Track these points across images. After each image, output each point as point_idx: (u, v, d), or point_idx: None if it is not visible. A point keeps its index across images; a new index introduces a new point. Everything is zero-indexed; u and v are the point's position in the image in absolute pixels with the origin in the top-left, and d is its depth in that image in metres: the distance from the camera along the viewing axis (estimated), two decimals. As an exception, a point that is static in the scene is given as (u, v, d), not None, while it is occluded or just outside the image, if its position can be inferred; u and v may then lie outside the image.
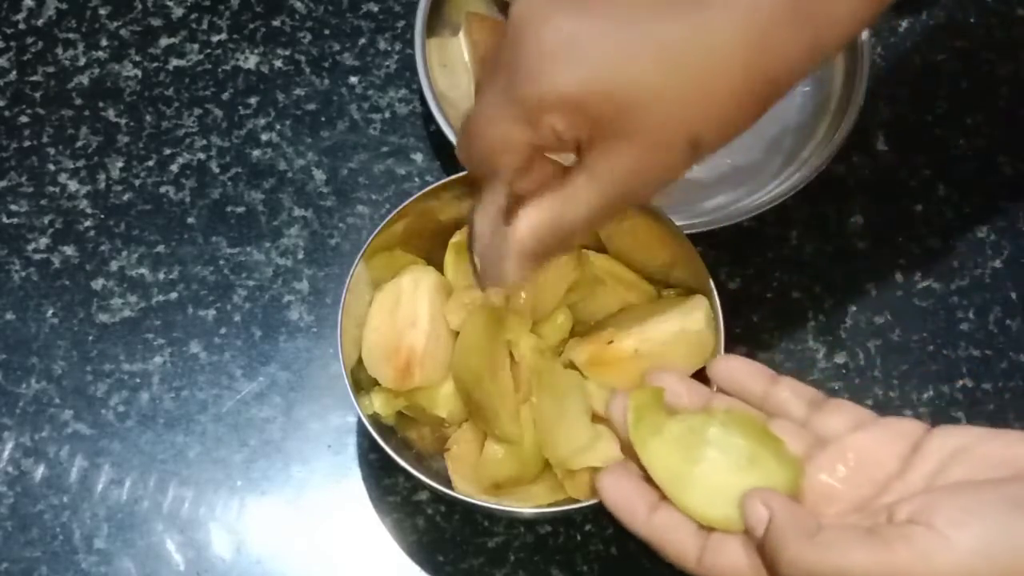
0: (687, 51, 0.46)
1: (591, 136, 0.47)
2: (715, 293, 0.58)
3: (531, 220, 0.50)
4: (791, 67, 0.47)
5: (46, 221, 0.70)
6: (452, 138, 0.67)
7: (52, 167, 0.71)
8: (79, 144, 0.72)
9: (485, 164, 0.50)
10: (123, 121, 0.73)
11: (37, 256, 0.69)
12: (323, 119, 0.73)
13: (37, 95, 0.73)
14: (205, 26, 0.75)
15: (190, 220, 0.70)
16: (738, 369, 0.52)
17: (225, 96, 0.74)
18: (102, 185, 0.71)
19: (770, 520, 0.43)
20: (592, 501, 0.56)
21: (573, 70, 0.46)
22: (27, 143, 0.72)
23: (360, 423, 0.64)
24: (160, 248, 0.70)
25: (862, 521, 0.44)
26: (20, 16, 0.76)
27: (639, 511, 0.48)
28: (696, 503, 0.46)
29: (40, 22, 0.75)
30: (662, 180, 0.49)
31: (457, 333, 0.59)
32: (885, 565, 0.41)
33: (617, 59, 0.46)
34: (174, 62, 0.74)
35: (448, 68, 0.71)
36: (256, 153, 0.72)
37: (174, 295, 0.68)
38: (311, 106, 0.73)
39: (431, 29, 0.70)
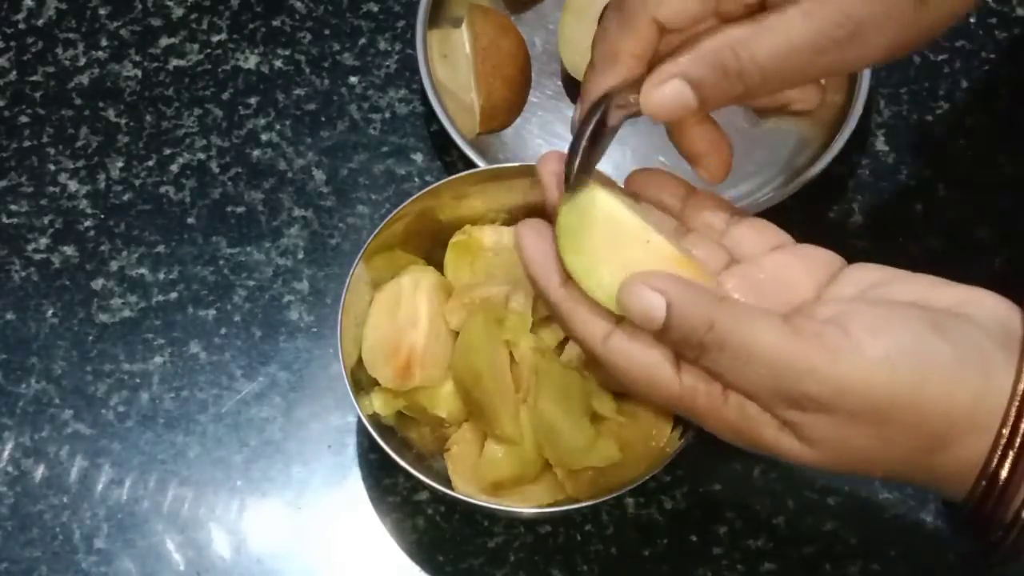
0: None
1: None
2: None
3: (717, 40, 0.45)
4: None
5: (46, 221, 0.70)
6: (452, 133, 0.67)
7: (52, 167, 0.71)
8: (79, 144, 0.72)
9: None
10: (123, 121, 0.73)
11: (37, 256, 0.69)
12: (323, 119, 0.73)
13: (37, 95, 0.73)
14: (205, 26, 0.76)
15: (190, 220, 0.70)
16: (656, 179, 0.50)
17: (225, 96, 0.74)
18: (102, 185, 0.71)
19: (669, 303, 0.42)
20: (592, 501, 0.56)
21: None
22: (27, 143, 0.72)
23: (360, 423, 0.64)
24: (160, 248, 0.70)
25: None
26: (20, 16, 0.76)
27: (553, 276, 0.46)
28: (599, 287, 0.45)
29: (40, 22, 0.75)
30: (880, 31, 0.44)
31: (457, 333, 0.59)
32: (791, 354, 0.41)
33: None
34: (174, 62, 0.74)
35: (449, 59, 0.71)
36: (256, 153, 0.72)
37: (174, 295, 0.68)
38: (311, 106, 0.73)
39: (432, 21, 0.71)
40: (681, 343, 0.43)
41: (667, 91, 0.45)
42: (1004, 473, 0.41)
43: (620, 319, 0.45)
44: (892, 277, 0.46)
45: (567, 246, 0.46)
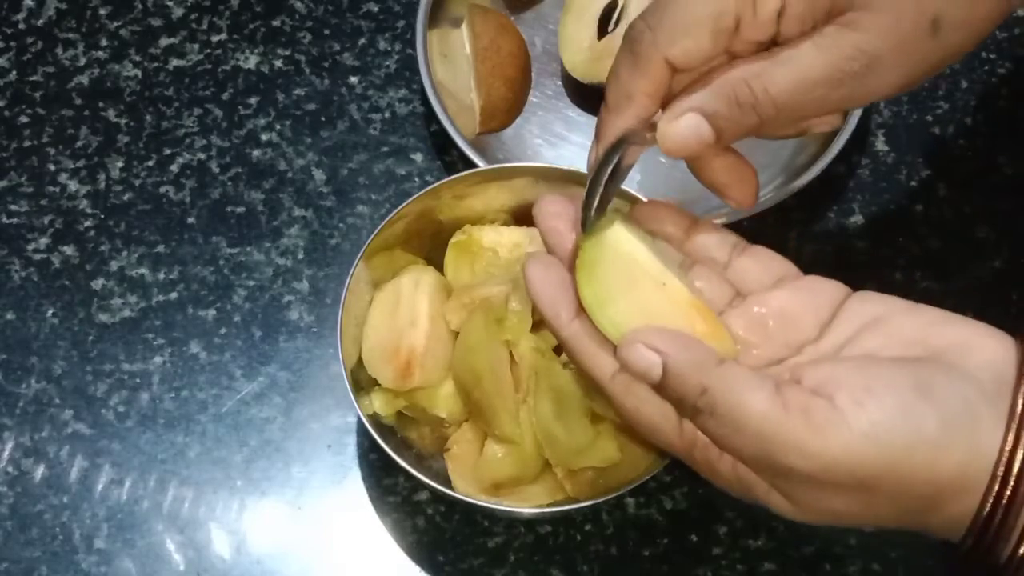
0: None
1: (829, 11, 0.44)
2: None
3: (731, 75, 0.45)
4: None
5: (46, 221, 0.70)
6: (452, 133, 0.67)
7: (52, 167, 0.71)
8: (79, 144, 0.72)
9: (666, 24, 0.46)
10: (123, 121, 0.73)
11: (37, 256, 0.69)
12: (323, 119, 0.73)
13: (37, 95, 0.73)
14: (205, 26, 0.76)
15: (190, 220, 0.70)
16: (660, 212, 0.50)
17: (225, 96, 0.74)
18: (102, 185, 0.71)
19: (665, 364, 0.42)
20: (592, 501, 0.56)
21: None
22: (27, 143, 0.72)
23: (360, 423, 0.64)
24: (160, 248, 0.70)
25: (774, 374, 0.43)
26: (20, 16, 0.76)
27: (563, 312, 0.46)
28: (611, 324, 0.45)
29: (40, 22, 0.75)
30: (894, 64, 0.45)
31: (457, 333, 0.59)
32: (779, 427, 0.41)
33: None
34: (174, 62, 0.74)
35: (449, 59, 0.71)
36: (256, 153, 0.72)
37: (174, 295, 0.68)
38: (311, 106, 0.73)
39: (432, 21, 0.71)
40: (676, 402, 0.44)
41: (683, 125, 0.46)
42: (994, 526, 0.41)
43: None
44: (893, 311, 0.45)
45: (584, 278, 0.46)
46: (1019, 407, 0.41)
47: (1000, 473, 0.40)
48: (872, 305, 0.46)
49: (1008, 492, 0.40)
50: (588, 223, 0.47)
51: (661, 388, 0.43)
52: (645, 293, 0.46)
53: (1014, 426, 0.40)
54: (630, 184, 0.57)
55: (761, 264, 0.48)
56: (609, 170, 0.47)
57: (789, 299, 0.46)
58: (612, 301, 0.45)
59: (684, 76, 0.47)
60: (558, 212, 0.48)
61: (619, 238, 0.48)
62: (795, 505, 0.43)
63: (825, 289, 0.47)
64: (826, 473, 0.41)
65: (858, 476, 0.41)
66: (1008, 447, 0.40)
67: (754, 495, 0.44)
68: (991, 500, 0.40)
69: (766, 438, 0.41)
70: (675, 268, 0.48)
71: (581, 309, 0.46)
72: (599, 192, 0.47)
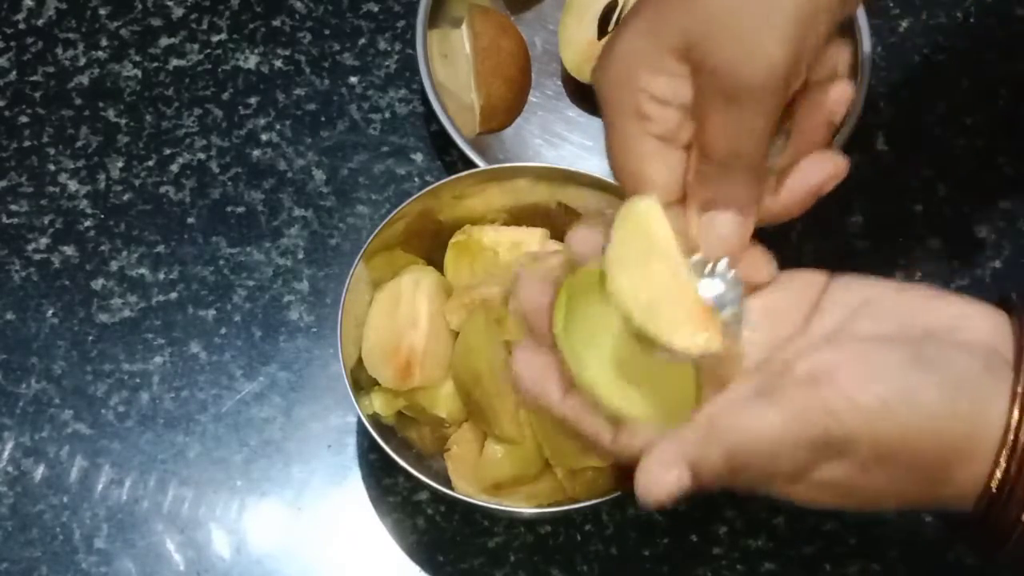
0: None
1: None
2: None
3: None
4: None
5: (46, 221, 0.70)
6: (452, 133, 0.66)
7: (52, 167, 0.72)
8: (79, 144, 0.72)
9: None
10: (123, 121, 0.73)
11: (37, 256, 0.69)
12: (323, 119, 0.73)
13: (37, 95, 0.73)
14: (205, 26, 0.76)
15: (190, 220, 0.70)
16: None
17: (225, 96, 0.74)
18: (102, 185, 0.71)
19: (691, 472, 0.42)
20: (592, 501, 0.56)
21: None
22: (27, 143, 0.72)
23: (360, 423, 0.64)
24: (160, 248, 0.70)
25: (763, 381, 0.43)
26: (20, 16, 0.76)
27: (553, 391, 0.45)
28: (601, 386, 0.44)
29: (40, 22, 0.75)
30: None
31: (457, 333, 0.59)
32: (798, 425, 0.41)
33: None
34: (174, 62, 0.74)
35: (449, 59, 0.71)
36: (256, 153, 0.72)
37: (174, 295, 0.68)
38: (311, 106, 0.73)
39: (432, 21, 0.71)
40: (714, 485, 0.43)
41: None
42: (1006, 491, 0.41)
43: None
44: (881, 294, 0.45)
45: (575, 368, 0.45)
46: None
47: (1011, 439, 0.41)
48: (858, 289, 0.46)
49: (1019, 454, 0.41)
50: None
51: (696, 486, 0.43)
52: (661, 273, 0.45)
53: (1020, 390, 0.41)
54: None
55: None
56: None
57: (770, 297, 0.47)
58: (629, 268, 0.44)
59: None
60: (541, 292, 0.47)
61: (650, 212, 0.47)
62: (820, 490, 0.43)
63: (800, 280, 0.47)
64: (853, 446, 0.41)
65: (878, 447, 0.41)
66: (1016, 417, 0.41)
67: (775, 490, 0.43)
68: (1003, 464, 0.41)
69: (789, 444, 0.41)
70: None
71: (570, 386, 0.45)
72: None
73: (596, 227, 0.48)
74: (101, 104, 0.73)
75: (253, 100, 0.74)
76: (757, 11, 0.43)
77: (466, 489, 0.58)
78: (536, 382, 0.46)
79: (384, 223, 0.59)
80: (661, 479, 0.42)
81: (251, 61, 0.75)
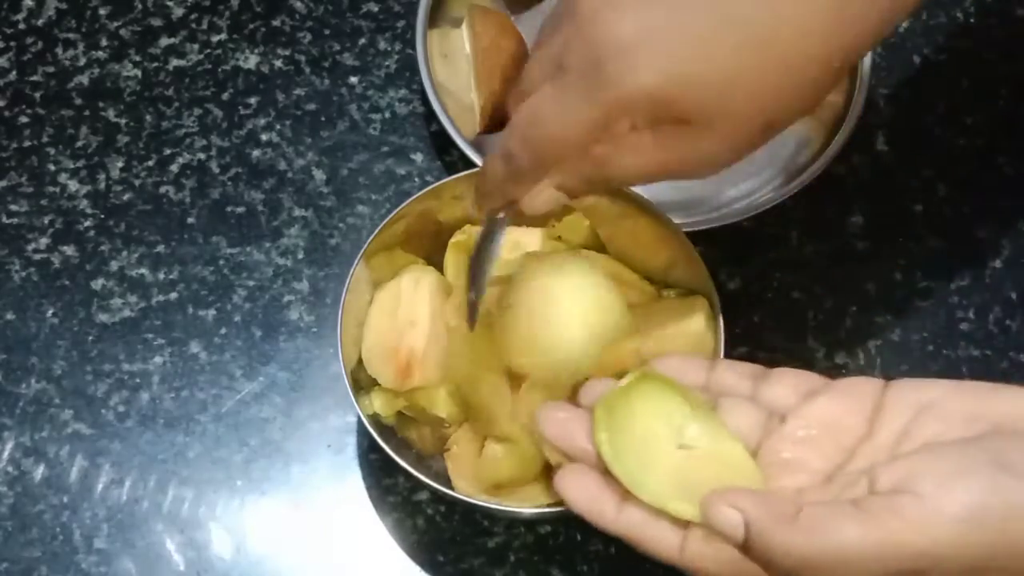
0: (767, 31, 0.45)
1: (664, 122, 0.46)
2: (715, 293, 0.58)
3: (583, 161, 0.48)
4: (867, 37, 0.47)
5: (46, 221, 0.70)
6: (452, 133, 0.67)
7: (52, 167, 0.72)
8: (79, 144, 0.72)
9: (538, 156, 0.49)
10: (123, 121, 0.73)
11: (37, 256, 0.69)
12: (323, 119, 0.73)
13: (37, 95, 0.73)
14: (205, 26, 0.76)
15: (190, 220, 0.70)
16: (674, 364, 0.50)
17: (225, 96, 0.74)
18: (102, 185, 0.71)
19: (746, 523, 0.42)
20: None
21: (657, 63, 0.45)
22: (27, 143, 0.72)
23: (360, 423, 0.64)
24: (160, 248, 0.70)
25: (841, 493, 0.43)
26: (20, 16, 0.76)
27: (607, 509, 0.46)
28: (662, 496, 0.44)
29: (40, 22, 0.75)
30: (727, 163, 0.48)
31: (456, 334, 0.59)
32: (879, 539, 0.40)
33: (701, 48, 0.45)
34: (174, 62, 0.74)
35: (449, 59, 0.71)
36: (256, 153, 0.72)
37: (174, 295, 0.68)
38: (311, 106, 0.73)
39: (432, 21, 0.71)
40: (762, 564, 0.42)
41: (544, 199, 0.50)
42: None
43: (685, 523, 0.45)
44: (942, 395, 0.44)
45: (611, 454, 0.46)
46: None
47: None
48: (916, 391, 0.45)
49: None
50: (474, 313, 0.55)
51: (745, 550, 0.42)
52: (669, 459, 0.46)
53: None
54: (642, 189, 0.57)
55: (786, 385, 0.48)
56: (489, 254, 0.54)
57: (827, 405, 0.46)
58: (646, 472, 0.45)
59: None
60: (566, 418, 0.48)
61: (633, 408, 0.47)
62: None
63: (858, 386, 0.46)
64: (938, 565, 0.40)
65: (968, 560, 0.40)
66: None
67: None
68: None
69: (871, 556, 0.40)
70: (705, 411, 0.47)
71: (624, 495, 0.45)
72: (485, 276, 0.54)
73: (562, 409, 0.49)
74: (101, 104, 0.73)
75: (253, 100, 0.74)
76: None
77: (466, 489, 0.58)
78: (591, 505, 0.46)
79: (384, 223, 0.59)
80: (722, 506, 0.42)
81: (251, 61, 0.75)
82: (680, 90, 0.45)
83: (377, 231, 0.59)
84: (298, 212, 0.71)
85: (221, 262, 0.69)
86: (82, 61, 0.74)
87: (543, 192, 0.50)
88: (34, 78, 0.74)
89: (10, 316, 0.68)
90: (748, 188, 0.70)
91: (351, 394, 0.57)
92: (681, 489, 0.44)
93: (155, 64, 0.74)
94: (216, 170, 0.72)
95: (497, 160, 0.50)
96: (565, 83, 0.47)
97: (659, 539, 0.45)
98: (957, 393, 0.44)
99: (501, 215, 0.53)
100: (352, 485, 0.64)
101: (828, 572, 0.41)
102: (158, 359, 0.67)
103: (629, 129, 0.47)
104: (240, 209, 0.71)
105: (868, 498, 0.42)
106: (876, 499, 0.41)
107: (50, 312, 0.68)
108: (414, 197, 0.60)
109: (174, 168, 0.72)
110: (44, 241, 0.70)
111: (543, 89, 0.48)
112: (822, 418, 0.46)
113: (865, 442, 0.45)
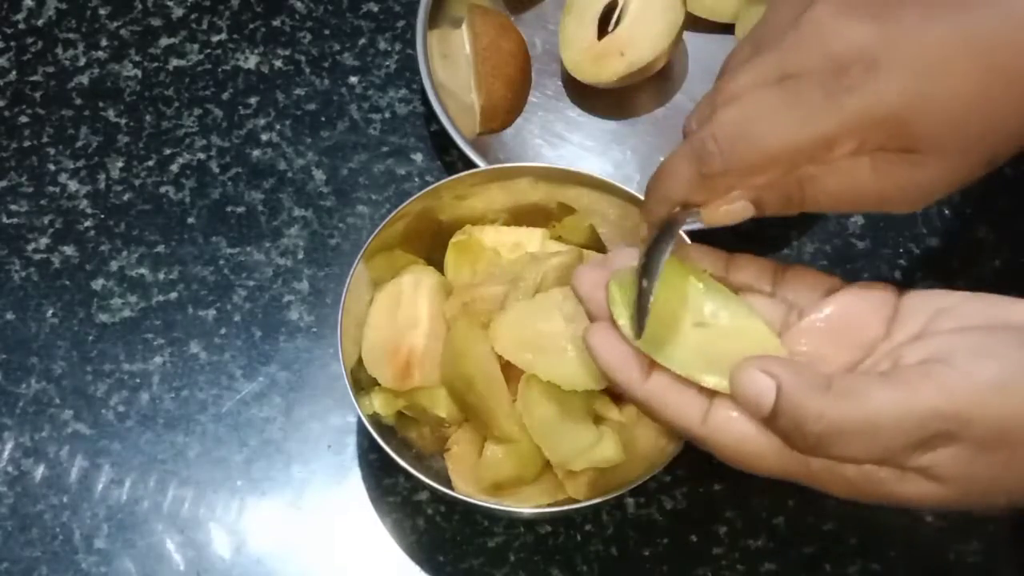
0: (1010, 53, 0.42)
1: (889, 149, 0.44)
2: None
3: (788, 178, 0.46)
4: None
5: (46, 221, 0.70)
6: (452, 133, 0.66)
7: (52, 167, 0.72)
8: (79, 144, 0.72)
9: (744, 164, 0.45)
10: (123, 121, 0.73)
11: (37, 256, 0.69)
12: (323, 119, 0.73)
13: (37, 95, 0.74)
14: (205, 26, 0.76)
15: (190, 220, 0.70)
16: (694, 254, 0.49)
17: (225, 96, 0.74)
18: (102, 185, 0.71)
19: (779, 387, 0.41)
20: (592, 501, 0.56)
21: (899, 79, 0.42)
22: (27, 143, 0.72)
23: (360, 423, 0.64)
24: (160, 248, 0.70)
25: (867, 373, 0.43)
26: (20, 16, 0.76)
27: (634, 373, 0.45)
28: (691, 367, 0.44)
29: (40, 22, 0.76)
30: (940, 196, 0.46)
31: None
32: (910, 403, 0.40)
33: (941, 66, 0.42)
34: (174, 62, 0.74)
35: (449, 59, 0.71)
36: (256, 153, 0.72)
37: (174, 295, 0.68)
38: (311, 106, 0.73)
39: (432, 21, 0.71)
40: (790, 432, 0.42)
41: (734, 209, 0.47)
42: None
43: (712, 393, 0.44)
44: (957, 301, 0.44)
45: (655, 349, 0.45)
46: None
47: None
48: (933, 297, 0.45)
49: None
50: (643, 318, 0.45)
51: (772, 418, 0.42)
52: (688, 337, 0.46)
53: None
54: (623, 154, 0.57)
55: (805, 281, 0.48)
56: (660, 260, 0.46)
57: (846, 304, 0.46)
58: (677, 352, 0.45)
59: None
60: (598, 281, 0.47)
61: (664, 282, 0.46)
62: (936, 483, 0.41)
63: (876, 289, 0.46)
64: (968, 429, 0.40)
65: (997, 426, 0.40)
66: None
67: (884, 492, 0.43)
68: None
69: (904, 419, 0.40)
70: (721, 291, 0.47)
71: (652, 365, 0.45)
72: (657, 267, 0.46)
73: (598, 267, 0.48)
74: (101, 104, 0.73)
75: (253, 100, 0.74)
76: None
77: (466, 489, 0.58)
78: (620, 364, 0.45)
79: (384, 223, 0.59)
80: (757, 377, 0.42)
81: (251, 61, 0.75)
82: (917, 114, 0.43)
83: (377, 231, 0.59)
84: (298, 212, 0.71)
85: (221, 262, 0.69)
86: (82, 61, 0.74)
87: (735, 203, 0.46)
88: (34, 78, 0.74)
89: (10, 316, 0.68)
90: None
91: (351, 394, 0.57)
92: (706, 363, 0.44)
93: (155, 64, 0.74)
94: (216, 170, 0.72)
95: (683, 161, 0.46)
96: (798, 89, 0.44)
97: (683, 407, 0.44)
98: (975, 300, 0.44)
99: (676, 217, 0.48)
100: (352, 485, 0.64)
101: (856, 438, 0.41)
102: (158, 359, 0.67)
103: (851, 152, 0.44)
104: (240, 209, 0.71)
105: (898, 368, 0.42)
106: (907, 369, 0.41)
107: (50, 312, 0.68)
108: (414, 197, 0.60)
109: (174, 168, 0.72)
110: (44, 241, 0.70)
111: (763, 92, 0.45)
112: (840, 315, 0.46)
113: (883, 341, 0.45)
